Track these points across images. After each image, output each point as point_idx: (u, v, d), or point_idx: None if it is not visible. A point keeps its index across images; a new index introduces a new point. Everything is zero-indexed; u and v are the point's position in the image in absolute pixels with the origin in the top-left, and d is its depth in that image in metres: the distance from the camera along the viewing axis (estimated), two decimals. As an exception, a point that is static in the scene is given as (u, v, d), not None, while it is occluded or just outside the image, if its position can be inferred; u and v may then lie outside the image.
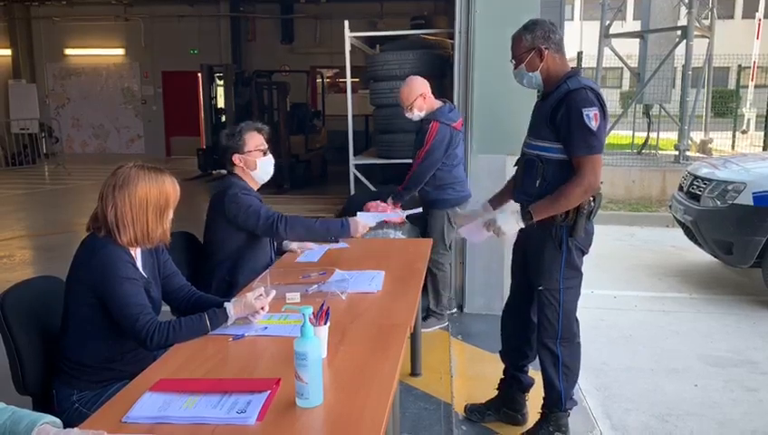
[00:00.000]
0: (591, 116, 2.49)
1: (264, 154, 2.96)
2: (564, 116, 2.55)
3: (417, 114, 4.03)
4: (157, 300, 2.22)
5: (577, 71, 2.71)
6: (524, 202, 2.72)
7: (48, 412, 1.48)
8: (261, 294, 2.13)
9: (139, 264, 2.15)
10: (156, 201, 2.07)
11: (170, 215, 2.15)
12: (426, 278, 4.20)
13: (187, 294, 2.36)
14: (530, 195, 2.68)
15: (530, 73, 2.67)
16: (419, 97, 3.98)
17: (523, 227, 2.67)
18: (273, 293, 2.18)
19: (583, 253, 2.74)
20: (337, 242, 3.11)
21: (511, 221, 2.68)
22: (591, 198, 2.62)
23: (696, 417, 3.32)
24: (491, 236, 2.84)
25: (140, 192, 2.04)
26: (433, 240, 4.14)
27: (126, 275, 2.02)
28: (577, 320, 2.82)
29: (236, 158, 2.91)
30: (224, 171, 3.09)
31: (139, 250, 2.17)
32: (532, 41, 2.63)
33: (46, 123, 14.74)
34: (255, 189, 3.01)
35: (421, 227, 4.21)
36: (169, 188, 2.11)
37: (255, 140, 2.93)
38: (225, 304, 2.11)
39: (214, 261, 2.95)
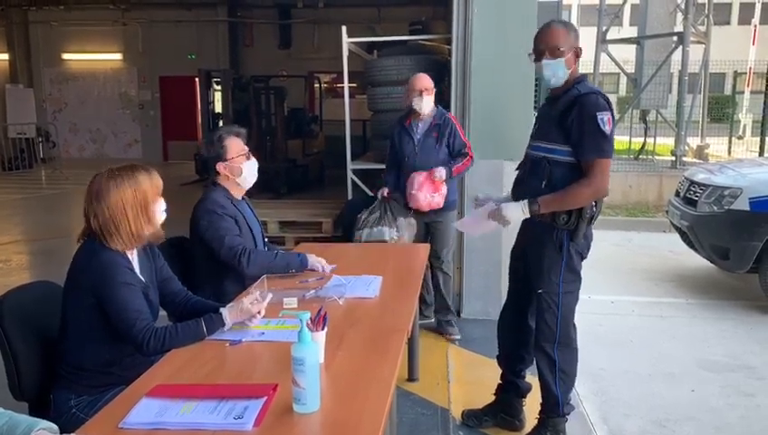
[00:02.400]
0: (606, 120, 2.51)
1: (248, 158, 2.87)
2: (576, 119, 2.55)
3: (431, 103, 4.01)
4: (155, 304, 2.22)
5: (584, 76, 2.71)
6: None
7: (44, 418, 1.48)
8: (256, 299, 2.13)
9: (136, 268, 2.15)
10: (132, 202, 2.06)
11: (157, 208, 2.14)
12: (438, 285, 4.19)
13: (183, 299, 2.35)
14: (536, 195, 2.67)
15: (565, 69, 2.62)
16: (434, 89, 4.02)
17: (529, 216, 2.66)
18: (270, 297, 2.18)
19: (582, 258, 2.75)
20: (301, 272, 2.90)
21: (516, 209, 2.67)
22: (594, 203, 2.63)
23: (694, 422, 3.32)
24: (489, 229, 2.88)
25: (114, 199, 2.03)
26: (449, 243, 4.15)
27: (124, 280, 2.02)
28: (574, 325, 2.82)
29: (221, 166, 2.82)
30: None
31: (135, 254, 2.17)
32: (575, 40, 2.64)
33: (43, 128, 14.73)
34: (241, 196, 2.94)
35: (423, 231, 4.15)
36: (144, 183, 2.10)
37: (237, 145, 2.84)
38: (221, 310, 2.11)
39: (199, 278, 2.88)
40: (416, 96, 3.97)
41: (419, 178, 3.91)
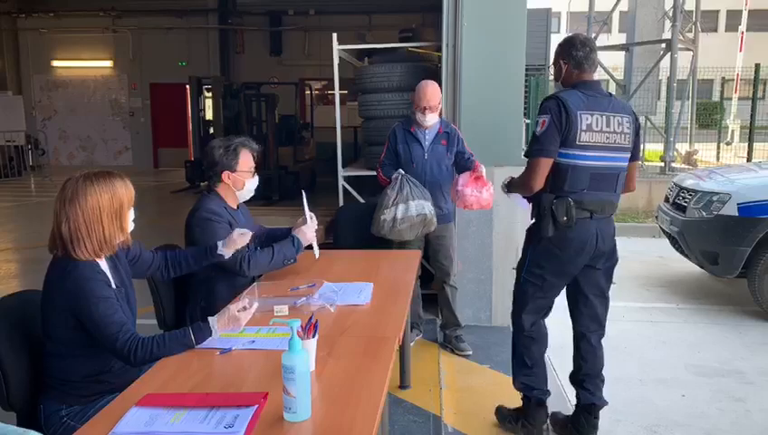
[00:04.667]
0: (540, 122, 2.70)
1: (253, 175, 2.91)
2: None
3: (434, 118, 3.82)
4: (132, 304, 2.21)
5: (577, 84, 2.74)
6: None
7: (33, 428, 1.46)
8: (245, 307, 2.12)
9: (108, 275, 2.11)
10: (109, 207, 2.04)
11: (129, 216, 2.13)
12: (447, 300, 4.05)
13: (163, 259, 2.49)
14: None
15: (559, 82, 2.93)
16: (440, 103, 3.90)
17: (506, 191, 3.03)
18: (256, 305, 2.17)
19: (558, 258, 2.81)
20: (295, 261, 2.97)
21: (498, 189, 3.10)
22: (554, 198, 2.71)
23: (684, 427, 3.33)
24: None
25: (91, 202, 2.01)
26: (454, 255, 4.03)
27: (101, 295, 1.98)
28: (540, 323, 2.97)
29: (226, 175, 2.83)
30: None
31: (104, 260, 2.12)
32: (558, 54, 2.84)
33: (33, 135, 14.66)
34: (235, 205, 2.93)
35: (424, 247, 3.99)
36: (121, 190, 2.08)
37: (247, 159, 2.87)
38: (210, 319, 2.08)
39: (191, 284, 2.88)
40: (419, 112, 3.79)
41: (463, 176, 3.61)
